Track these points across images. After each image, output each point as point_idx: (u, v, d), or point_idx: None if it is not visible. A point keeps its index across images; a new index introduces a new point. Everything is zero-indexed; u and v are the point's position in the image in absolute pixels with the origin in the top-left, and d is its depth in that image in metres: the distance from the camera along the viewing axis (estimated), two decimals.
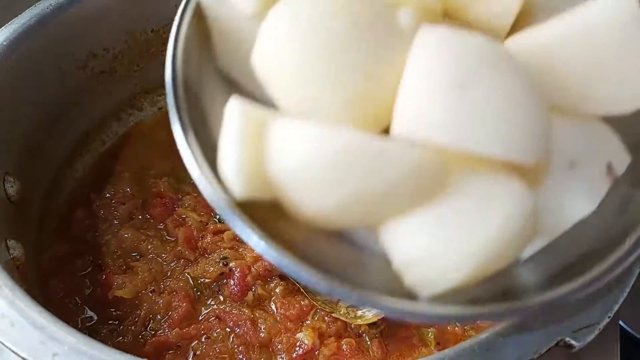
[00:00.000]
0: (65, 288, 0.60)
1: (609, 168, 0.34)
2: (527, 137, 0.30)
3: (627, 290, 0.44)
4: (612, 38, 0.33)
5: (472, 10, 0.39)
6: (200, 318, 0.58)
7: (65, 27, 0.66)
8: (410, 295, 0.31)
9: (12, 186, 0.58)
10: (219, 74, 0.42)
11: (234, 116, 0.33)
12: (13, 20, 0.63)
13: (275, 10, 0.34)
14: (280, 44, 0.33)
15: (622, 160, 0.35)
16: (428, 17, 0.37)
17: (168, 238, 0.65)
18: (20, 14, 0.64)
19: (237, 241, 0.63)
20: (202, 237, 0.65)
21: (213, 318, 0.58)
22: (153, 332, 0.57)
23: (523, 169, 0.31)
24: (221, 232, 0.65)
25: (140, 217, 0.67)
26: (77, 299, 0.59)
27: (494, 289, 0.33)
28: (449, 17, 0.40)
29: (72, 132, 0.72)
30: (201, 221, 0.66)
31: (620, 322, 0.65)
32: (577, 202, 0.34)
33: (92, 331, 0.56)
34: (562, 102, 0.34)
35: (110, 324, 0.58)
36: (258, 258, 0.61)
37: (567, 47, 0.34)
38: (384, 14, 0.33)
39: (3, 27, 0.62)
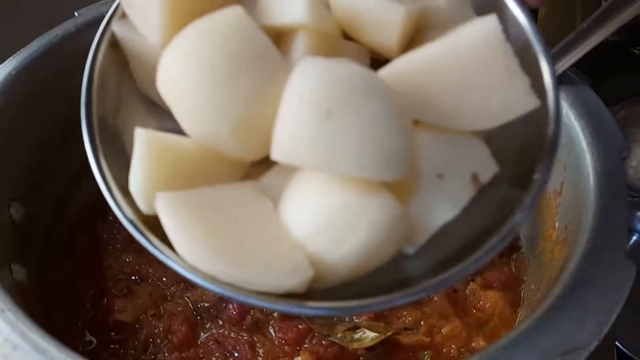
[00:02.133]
0: (66, 312, 0.61)
1: (474, 177, 0.39)
2: (389, 159, 0.34)
3: (617, 311, 0.45)
4: (478, 61, 0.37)
5: (361, 37, 0.43)
6: (199, 342, 0.59)
7: (72, 56, 0.68)
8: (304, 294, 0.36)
9: (17, 211, 0.59)
10: (139, 93, 0.45)
11: (139, 144, 0.38)
12: (21, 50, 0.65)
13: (169, 47, 0.38)
14: (174, 79, 0.38)
15: (488, 170, 0.40)
16: (328, 41, 0.42)
17: None
18: (28, 43, 0.66)
19: None
20: None
21: (212, 342, 0.58)
22: (153, 357, 0.58)
23: (395, 183, 0.36)
24: None
25: None
26: (79, 322, 0.60)
27: (388, 280, 0.37)
28: (351, 38, 0.44)
29: (75, 158, 0.72)
30: None
31: (618, 344, 0.66)
32: (443, 208, 0.38)
33: (93, 355, 0.57)
34: (434, 119, 0.38)
35: (111, 347, 0.59)
36: None
37: (438, 69, 0.37)
38: (267, 50, 0.38)
39: (11, 57, 0.64)
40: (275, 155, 0.35)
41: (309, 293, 0.36)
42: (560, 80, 0.61)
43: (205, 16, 0.38)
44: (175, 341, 0.58)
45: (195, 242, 0.35)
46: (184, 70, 0.37)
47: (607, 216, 0.50)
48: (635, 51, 0.80)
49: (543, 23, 1.16)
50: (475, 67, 0.37)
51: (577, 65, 0.63)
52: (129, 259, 0.66)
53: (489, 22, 0.37)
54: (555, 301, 0.45)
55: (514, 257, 0.67)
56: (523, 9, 0.44)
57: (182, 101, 0.38)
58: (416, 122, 0.38)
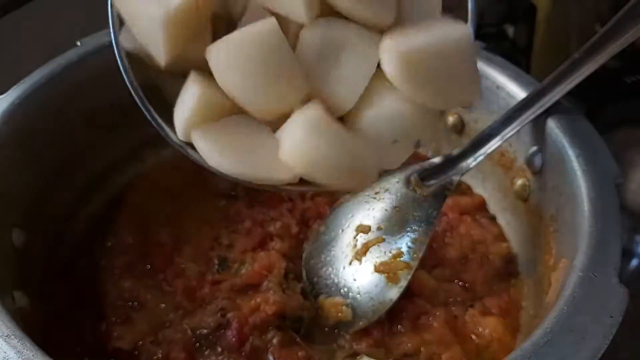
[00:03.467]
0: (66, 338, 0.60)
1: (418, 143, 0.50)
2: None
3: (611, 336, 0.45)
4: (458, 56, 0.46)
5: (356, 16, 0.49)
6: None
7: (73, 84, 0.70)
8: None
9: (18, 238, 0.59)
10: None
11: (191, 82, 0.48)
12: (24, 79, 0.66)
13: (221, 45, 0.46)
14: (227, 70, 0.47)
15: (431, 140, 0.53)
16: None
17: (167, 288, 0.66)
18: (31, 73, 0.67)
19: (235, 292, 0.65)
20: (200, 288, 0.66)
21: None
22: None
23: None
24: (219, 282, 0.66)
25: (140, 266, 0.68)
26: (78, 348, 0.60)
27: None
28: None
29: (76, 184, 0.74)
30: (200, 271, 0.67)
31: None
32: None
33: None
34: (421, 98, 0.47)
35: None
36: (255, 309, 0.62)
37: (431, 57, 0.46)
38: (291, 61, 0.47)
39: (14, 87, 0.65)
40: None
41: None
42: (554, 109, 0.63)
43: (249, 26, 0.47)
44: None
45: (220, 154, 0.47)
46: (234, 67, 0.46)
47: (601, 243, 0.51)
48: (626, 80, 0.82)
49: (538, 50, 1.18)
50: (456, 60, 0.47)
51: (571, 93, 0.64)
52: (127, 284, 0.66)
53: (466, 29, 0.49)
54: (551, 327, 0.45)
55: (513, 283, 0.68)
56: None
57: (226, 84, 0.47)
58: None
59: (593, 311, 0.46)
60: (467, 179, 0.79)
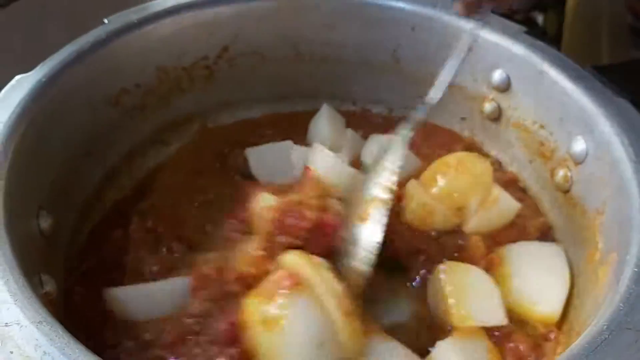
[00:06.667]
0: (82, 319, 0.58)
1: None
2: None
3: None
4: None
5: None
6: None
7: (100, 62, 0.68)
8: None
9: (45, 220, 0.58)
10: None
11: None
12: (52, 56, 0.64)
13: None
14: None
15: None
16: None
17: None
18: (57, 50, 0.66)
19: None
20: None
21: None
22: None
23: None
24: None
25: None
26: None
27: None
28: None
29: (100, 166, 0.72)
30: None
31: None
32: None
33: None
34: None
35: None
36: None
37: None
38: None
39: (41, 64, 0.63)
40: None
41: None
42: (600, 97, 0.61)
43: None
44: None
45: None
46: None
47: None
48: None
49: (568, 38, 1.15)
50: None
51: (616, 81, 0.62)
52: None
53: None
54: (608, 324, 0.43)
55: None
56: None
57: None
58: None
59: None
60: (499, 156, 0.78)
